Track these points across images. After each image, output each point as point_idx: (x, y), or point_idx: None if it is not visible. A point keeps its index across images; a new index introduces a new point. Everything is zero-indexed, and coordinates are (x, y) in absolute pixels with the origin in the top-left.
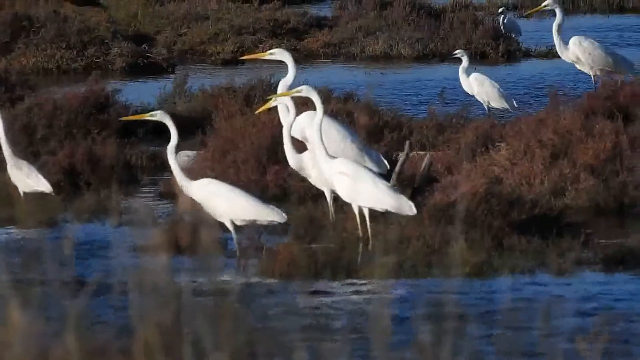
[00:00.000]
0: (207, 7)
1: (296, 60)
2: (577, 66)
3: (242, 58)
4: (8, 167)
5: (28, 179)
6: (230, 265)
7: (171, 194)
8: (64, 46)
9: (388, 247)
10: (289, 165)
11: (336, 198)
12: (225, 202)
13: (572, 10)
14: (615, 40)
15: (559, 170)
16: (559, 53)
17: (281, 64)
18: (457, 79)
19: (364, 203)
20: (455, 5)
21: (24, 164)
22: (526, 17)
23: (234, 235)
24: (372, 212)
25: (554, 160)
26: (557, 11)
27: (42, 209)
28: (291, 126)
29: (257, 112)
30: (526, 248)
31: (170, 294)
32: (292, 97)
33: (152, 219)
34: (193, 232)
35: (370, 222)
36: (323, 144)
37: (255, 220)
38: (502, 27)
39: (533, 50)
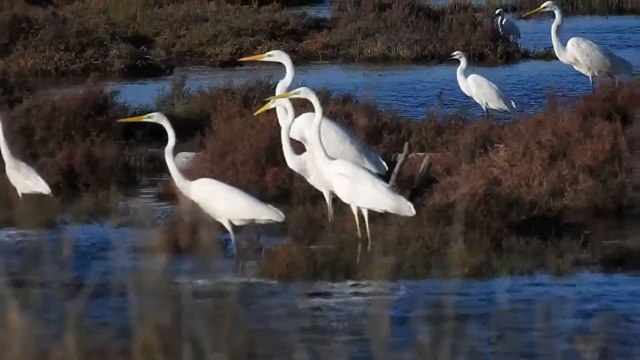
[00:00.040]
0: (205, 8)
1: (295, 62)
2: (575, 67)
3: (240, 60)
4: (7, 168)
5: (27, 181)
6: (229, 267)
7: (170, 195)
8: (62, 48)
9: (387, 248)
10: (288, 167)
11: (335, 199)
12: (224, 202)
13: (571, 11)
14: (615, 42)
15: (557, 172)
16: (557, 54)
17: (280, 65)
18: (456, 81)
19: (363, 204)
20: (454, 7)
21: (22, 166)
22: (525, 18)
23: (232, 235)
24: (371, 213)
25: (552, 162)
26: (556, 12)
27: (41, 211)
28: (289, 128)
29: (255, 113)
30: (525, 249)
31: (170, 295)
32: (291, 99)
33: (152, 220)
34: (192, 233)
35: (369, 223)
36: (322, 145)
37: (253, 220)
38: (499, 28)
39: (531, 51)
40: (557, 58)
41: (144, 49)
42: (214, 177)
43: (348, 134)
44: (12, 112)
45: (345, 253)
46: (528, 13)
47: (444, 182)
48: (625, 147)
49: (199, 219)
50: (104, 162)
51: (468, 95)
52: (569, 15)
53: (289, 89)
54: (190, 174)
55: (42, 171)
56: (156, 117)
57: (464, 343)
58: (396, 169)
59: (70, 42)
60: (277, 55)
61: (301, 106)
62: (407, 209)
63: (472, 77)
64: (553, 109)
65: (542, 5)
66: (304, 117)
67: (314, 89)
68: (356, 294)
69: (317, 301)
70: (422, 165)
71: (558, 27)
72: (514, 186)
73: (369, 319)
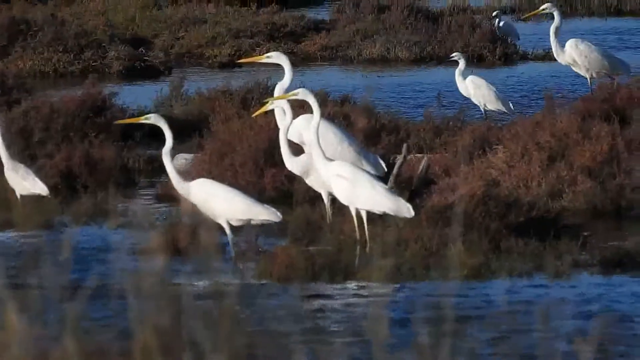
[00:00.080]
0: (204, 10)
1: (293, 64)
2: (574, 69)
3: (239, 61)
4: (5, 170)
5: (25, 182)
6: (228, 268)
7: (169, 196)
8: (61, 49)
9: (386, 249)
10: (286, 168)
11: (334, 200)
12: (221, 202)
13: (569, 13)
14: (614, 44)
15: (556, 173)
16: (556, 56)
17: (278, 67)
18: (454, 82)
19: (362, 205)
20: (453, 9)
21: (20, 167)
22: (524, 20)
23: (230, 236)
24: (369, 214)
25: (551, 163)
26: (555, 14)
27: (39, 212)
28: (288, 129)
29: (253, 115)
30: (524, 250)
31: (169, 297)
32: (289, 100)
33: (150, 222)
34: (191, 234)
35: (368, 224)
36: (320, 146)
37: (250, 220)
38: (497, 30)
39: (530, 53)
40: (555, 59)
41: (142, 51)
42: (213, 179)
43: (346, 136)
44: (11, 113)
45: (344, 254)
46: (527, 15)
47: (442, 184)
48: (623, 148)
49: (198, 220)
50: (103, 164)
51: (466, 96)
52: (568, 16)
53: (288, 90)
54: (189, 175)
55: (40, 173)
56: (153, 119)
57: (464, 344)
58: (395, 171)
59: (68, 43)
60: (276, 57)
61: (299, 108)
62: (406, 210)
63: (470, 78)
64: (551, 110)
65: (541, 7)
66: (303, 118)
67: (312, 91)
68: (355, 295)
69: (316, 302)
70: (421, 167)
71: (557, 29)
72: (512, 187)
73: (368, 321)
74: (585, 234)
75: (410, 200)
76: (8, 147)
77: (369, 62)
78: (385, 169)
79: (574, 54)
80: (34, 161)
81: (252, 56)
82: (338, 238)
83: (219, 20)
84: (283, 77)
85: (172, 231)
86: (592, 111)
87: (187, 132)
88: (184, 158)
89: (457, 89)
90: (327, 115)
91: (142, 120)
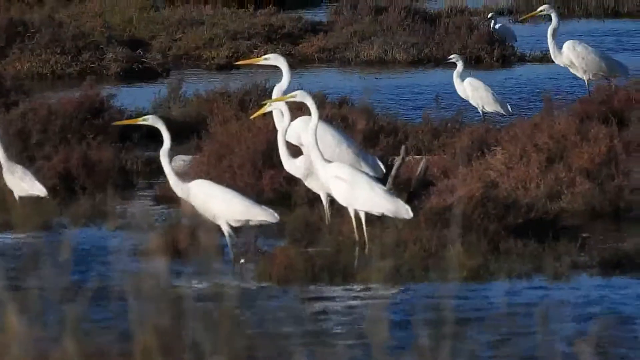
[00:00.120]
0: (202, 12)
1: (291, 65)
2: (571, 70)
3: (236, 63)
4: (3, 171)
5: (23, 183)
6: (227, 270)
7: (167, 198)
8: (58, 51)
9: (384, 251)
10: (285, 170)
11: (332, 202)
12: (219, 203)
13: (567, 14)
14: (612, 45)
15: (554, 174)
16: (553, 57)
17: (276, 69)
18: (452, 84)
19: (361, 207)
20: (451, 10)
21: (18, 168)
22: (521, 22)
23: (227, 237)
24: (368, 216)
25: (549, 165)
26: (553, 16)
27: (38, 214)
28: (286, 131)
29: (251, 117)
30: (522, 252)
31: (169, 298)
32: (287, 102)
33: (149, 223)
34: (191, 236)
35: (367, 226)
36: (318, 148)
37: (248, 221)
38: (493, 31)
39: (528, 55)
40: (553, 61)
41: (140, 53)
42: (211, 180)
43: (344, 137)
44: (9, 115)
45: (343, 256)
46: (524, 16)
47: (441, 185)
48: (621, 150)
49: (198, 222)
50: (101, 165)
51: (464, 98)
52: (565, 18)
53: (286, 92)
54: (188, 176)
55: (38, 174)
56: (151, 120)
57: (464, 346)
58: (393, 172)
59: (66, 45)
60: (274, 59)
61: (297, 109)
62: (405, 211)
63: (468, 80)
64: (549, 112)
65: (539, 9)
66: (301, 120)
67: (310, 92)
68: (354, 297)
69: (315, 304)
70: (419, 168)
71: (554, 30)
72: (511, 189)
73: (368, 322)
74: (584, 235)
75: (408, 201)
76: (6, 148)
77: (366, 64)
78: (384, 171)
79: (572, 56)
80: (32, 163)
81: (250, 58)
82: (337, 239)
83: (216, 22)
84: (281, 79)
85: (171, 233)
86: (590, 113)
87: (185, 134)
88: (182, 160)
89: (454, 90)
90: (325, 117)
91: (140, 121)
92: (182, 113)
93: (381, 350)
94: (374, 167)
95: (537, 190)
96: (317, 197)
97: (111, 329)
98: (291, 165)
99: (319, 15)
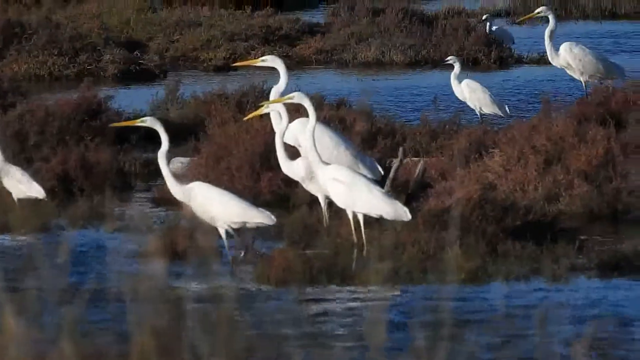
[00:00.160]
0: (199, 13)
1: (288, 67)
2: (568, 72)
3: (234, 65)
4: (1, 173)
5: (20, 185)
6: (225, 271)
7: (165, 199)
8: (56, 53)
9: (383, 253)
10: (283, 172)
11: (331, 204)
12: (216, 205)
13: (564, 16)
14: (609, 47)
15: (552, 177)
16: (550, 59)
17: (273, 70)
18: (450, 86)
19: (359, 209)
20: (448, 12)
21: (16, 170)
22: (519, 23)
23: (224, 239)
24: (366, 218)
25: (547, 167)
26: (550, 17)
27: (36, 215)
28: (284, 133)
29: (246, 118)
30: (520, 254)
31: (167, 300)
32: (285, 104)
33: (148, 225)
34: (189, 238)
35: (365, 228)
36: (316, 150)
37: (245, 223)
38: (489, 33)
39: (525, 56)
40: (550, 63)
41: (137, 54)
42: (209, 182)
43: (342, 139)
44: (6, 117)
45: (341, 258)
46: (522, 18)
47: (439, 187)
48: (619, 152)
49: (196, 224)
50: (99, 167)
51: (462, 100)
52: (563, 20)
53: (283, 94)
54: (186, 178)
55: (37, 176)
56: (149, 122)
57: (462, 348)
58: (391, 174)
59: (63, 47)
60: (271, 60)
61: (295, 111)
62: (403, 213)
63: (465, 82)
64: (547, 114)
65: (536, 11)
66: (298, 122)
67: (308, 94)
68: (353, 299)
69: (314, 306)
70: (417, 170)
71: (551, 32)
72: (509, 191)
73: (366, 324)
74: (582, 237)
75: (406, 203)
76: (4, 150)
77: (364, 66)
78: (382, 173)
79: (569, 58)
80: (30, 164)
81: (247, 59)
82: (335, 241)
83: (213, 24)
84: (278, 80)
85: (169, 235)
86: (587, 115)
87: (183, 136)
88: (180, 162)
89: (452, 92)
90: (323, 119)
91: (138, 123)
92: (180, 115)
93: (379, 352)
94: (372, 169)
95: (535, 193)
96: (315, 199)
97: (109, 331)
98: (289, 168)
99: (317, 16)
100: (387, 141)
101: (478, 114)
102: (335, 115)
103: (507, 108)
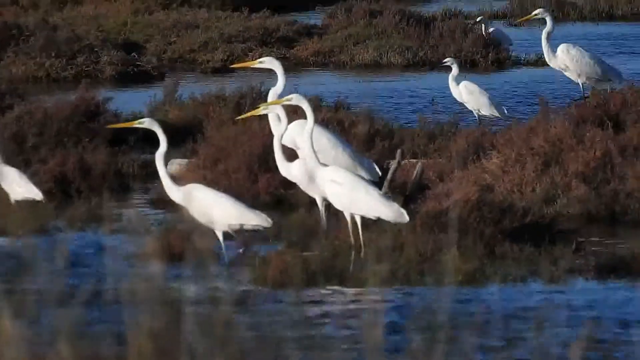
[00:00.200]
0: (196, 15)
1: (286, 69)
2: (566, 74)
3: (232, 66)
4: None
5: (18, 187)
6: (222, 273)
7: (163, 201)
8: (53, 54)
9: (380, 254)
10: (280, 174)
11: (328, 206)
12: (212, 207)
13: (561, 18)
14: (607, 49)
15: (550, 178)
16: (547, 61)
17: (271, 72)
18: (448, 87)
19: (357, 211)
20: (445, 14)
21: (14, 172)
22: (516, 25)
23: (221, 241)
24: (364, 219)
25: (545, 168)
26: (547, 19)
27: (33, 217)
28: (282, 136)
29: (240, 117)
30: (518, 256)
31: (164, 302)
32: (283, 106)
33: (145, 227)
34: (187, 240)
35: (363, 230)
36: (314, 152)
37: (241, 225)
38: (484, 34)
39: (523, 58)
40: (548, 64)
41: (135, 56)
42: (207, 184)
43: (340, 141)
44: (4, 118)
45: (339, 260)
46: (519, 20)
47: (436, 189)
48: (617, 154)
49: (193, 226)
50: (97, 169)
51: (460, 102)
52: (560, 21)
53: (281, 95)
54: (183, 180)
55: (34, 178)
56: (147, 123)
57: (459, 350)
58: (389, 176)
59: (61, 48)
60: (268, 62)
61: (293, 113)
62: (401, 215)
63: (463, 84)
64: (545, 115)
65: (534, 13)
66: (296, 124)
67: (305, 96)
68: (350, 300)
69: (311, 308)
70: (415, 172)
71: (548, 34)
72: (506, 193)
73: (363, 326)
74: (580, 239)
75: (404, 205)
76: (2, 152)
77: (361, 67)
78: (380, 174)
79: (566, 59)
80: (28, 166)
81: (245, 61)
82: (333, 243)
83: (210, 25)
84: (276, 82)
85: (167, 236)
86: (585, 117)
87: (181, 137)
88: (178, 163)
89: (450, 94)
90: (321, 121)
91: (136, 124)
92: (178, 116)
93: (376, 354)
94: (370, 170)
95: (533, 194)
96: (313, 201)
97: (107, 333)
98: (287, 170)
99: (314, 18)
100: (385, 143)
101: (476, 115)
102: (333, 117)
103: (505, 110)
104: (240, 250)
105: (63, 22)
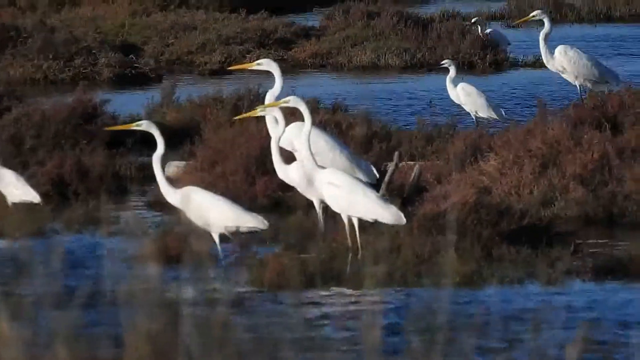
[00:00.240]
0: (194, 17)
1: (283, 71)
2: (563, 76)
3: (229, 68)
4: None
5: (15, 190)
6: (219, 275)
7: (160, 203)
8: (51, 56)
9: (378, 257)
10: (278, 176)
11: (326, 208)
12: (208, 209)
13: (559, 19)
14: (605, 50)
15: (548, 180)
16: (545, 62)
17: (268, 74)
18: (445, 89)
19: (354, 213)
20: (443, 15)
21: (11, 174)
22: (514, 27)
23: (217, 243)
24: (362, 222)
25: (543, 170)
26: (545, 21)
27: (31, 220)
28: (280, 138)
29: (236, 117)
30: (516, 258)
31: (161, 304)
32: (281, 108)
33: (143, 229)
34: (184, 242)
35: (360, 232)
36: (312, 154)
37: (237, 227)
38: (481, 35)
39: (521, 60)
40: (546, 66)
41: (132, 58)
42: (204, 186)
43: (338, 143)
44: (1, 120)
45: (336, 262)
46: (517, 21)
47: (434, 191)
48: (615, 156)
49: (190, 228)
50: (94, 171)
51: (458, 103)
52: (558, 23)
53: (278, 97)
54: (181, 183)
55: (32, 180)
56: (145, 125)
57: (457, 352)
58: (387, 178)
59: (58, 50)
60: (266, 64)
61: (290, 115)
62: (398, 217)
63: (461, 85)
64: (543, 117)
65: (531, 14)
66: (294, 126)
67: (303, 98)
68: (348, 302)
69: (308, 310)
70: (413, 174)
71: (546, 35)
72: (504, 195)
73: (361, 328)
74: (577, 241)
75: (402, 207)
76: None
77: (359, 69)
78: (377, 177)
79: (563, 61)
80: (26, 168)
81: (243, 63)
82: (330, 245)
83: (208, 27)
84: (273, 84)
85: (164, 239)
86: (583, 118)
87: (179, 140)
88: (175, 166)
89: (448, 96)
90: (318, 123)
91: (134, 126)
92: (176, 118)
93: (375, 355)
94: (368, 172)
95: (531, 196)
96: (310, 204)
97: (104, 335)
98: (285, 172)
99: (311, 20)
100: (382, 145)
101: (474, 117)
102: (331, 119)
103: (502, 111)
104: (236, 252)
105: (61, 23)
